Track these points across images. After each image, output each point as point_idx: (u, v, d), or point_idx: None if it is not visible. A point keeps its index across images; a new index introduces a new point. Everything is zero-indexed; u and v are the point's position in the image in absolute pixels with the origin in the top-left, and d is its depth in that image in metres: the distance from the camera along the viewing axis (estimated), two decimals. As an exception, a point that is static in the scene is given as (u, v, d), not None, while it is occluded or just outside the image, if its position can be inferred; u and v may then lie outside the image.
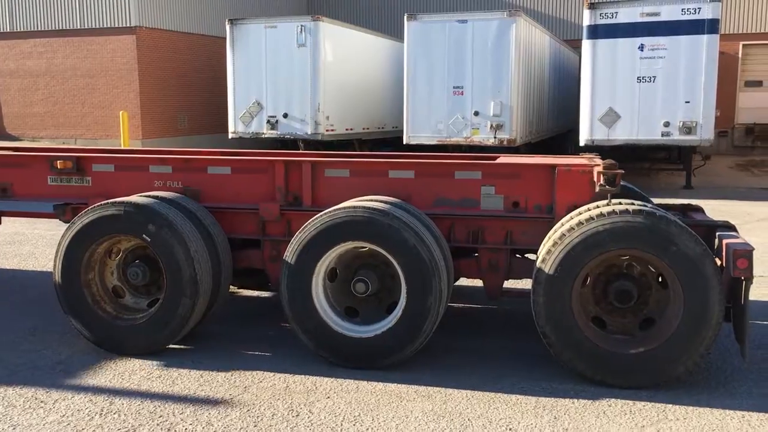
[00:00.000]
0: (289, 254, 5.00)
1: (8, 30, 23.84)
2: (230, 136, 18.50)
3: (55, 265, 5.30)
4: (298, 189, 5.48)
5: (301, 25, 17.72)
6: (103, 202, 5.23)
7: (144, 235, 5.12)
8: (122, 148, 6.75)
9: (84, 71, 23.20)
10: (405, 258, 4.81)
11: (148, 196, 5.39)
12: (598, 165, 5.04)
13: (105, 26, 22.67)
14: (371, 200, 5.13)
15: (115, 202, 5.19)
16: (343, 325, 5.04)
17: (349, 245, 4.98)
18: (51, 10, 23.27)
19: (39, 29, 23.43)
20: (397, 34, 23.71)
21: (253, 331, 5.83)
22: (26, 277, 7.76)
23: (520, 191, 5.25)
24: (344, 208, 4.93)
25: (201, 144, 23.41)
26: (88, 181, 5.84)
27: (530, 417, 4.23)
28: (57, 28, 23.25)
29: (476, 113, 16.41)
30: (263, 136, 18.17)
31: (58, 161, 5.79)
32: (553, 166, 5.21)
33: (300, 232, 4.99)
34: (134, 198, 5.27)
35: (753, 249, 4.48)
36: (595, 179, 4.98)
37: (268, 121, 17.95)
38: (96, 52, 22.95)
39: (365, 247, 5.05)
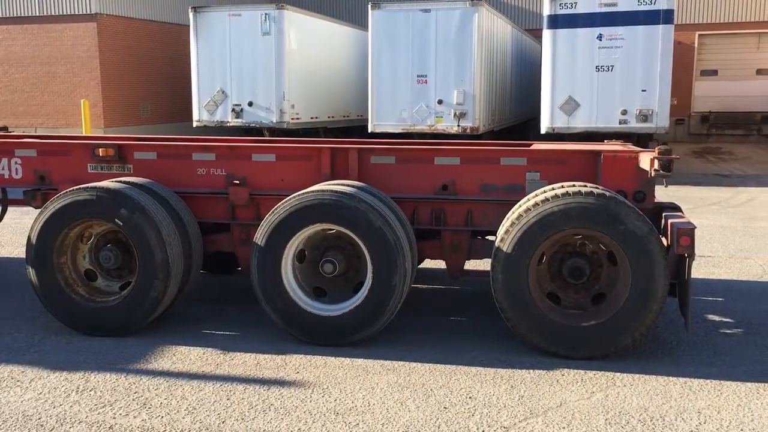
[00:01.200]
0: (260, 236, 5.19)
1: (-35, 17, 23.32)
2: (194, 124, 18.46)
3: (27, 250, 5.40)
4: (344, 175, 5.58)
5: (266, 14, 17.72)
6: (75, 187, 5.35)
7: (116, 220, 5.25)
8: (164, 136, 6.71)
9: (43, 59, 22.83)
10: (371, 239, 5.03)
11: (120, 182, 5.52)
12: (650, 151, 5.19)
13: (65, 13, 22.33)
14: (339, 184, 5.34)
15: (87, 187, 5.30)
16: (312, 304, 5.25)
17: (317, 227, 5.18)
18: (9, -4, 22.80)
19: (-3, 16, 22.98)
20: (361, 22, 23.83)
21: (223, 313, 6.01)
22: (-6, 265, 7.81)
23: (566, 176, 5.39)
24: (313, 191, 5.13)
25: (164, 132, 23.25)
26: (129, 169, 5.85)
27: (489, 386, 4.50)
28: (15, 15, 22.82)
29: (440, 102, 16.65)
30: (228, 124, 18.17)
31: (100, 149, 5.78)
32: (598, 152, 5.40)
33: (270, 215, 5.18)
34: (106, 183, 5.39)
35: (695, 227, 4.80)
36: (649, 165, 5.08)
37: (233, 110, 17.95)
38: (55, 39, 22.59)
39: (333, 229, 5.26)
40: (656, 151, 5.02)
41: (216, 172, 5.78)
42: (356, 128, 22.04)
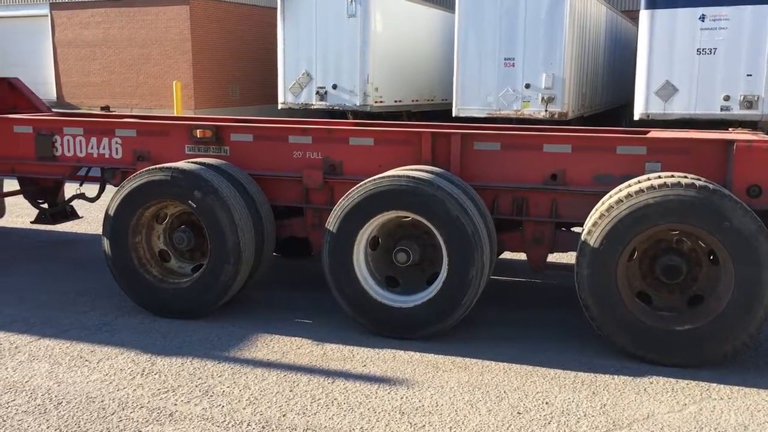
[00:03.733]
0: (332, 221, 5.00)
1: (67, 0, 24.31)
2: (280, 106, 18.61)
3: (104, 228, 5.42)
4: (445, 162, 5.32)
5: (352, -4, 17.61)
6: (151, 167, 5.31)
7: (190, 201, 5.18)
8: (261, 118, 6.67)
9: (139, 41, 23.55)
10: (447, 229, 4.75)
11: (195, 163, 5.45)
12: None
13: (160, -4, 22.95)
14: (416, 169, 5.08)
15: (163, 168, 5.26)
16: (384, 294, 5.03)
17: (391, 214, 4.95)
18: (108, -19, 23.58)
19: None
20: (448, 4, 23.36)
21: (293, 298, 5.88)
22: (79, 240, 7.99)
23: (690, 168, 4.89)
24: (388, 176, 4.89)
25: (251, 114, 23.61)
26: (225, 151, 5.79)
27: (568, 391, 4.16)
28: (114, -1, 23.62)
29: (527, 86, 16.10)
30: (312, 107, 18.22)
31: (198, 130, 5.75)
32: (730, 142, 4.87)
33: (343, 200, 4.98)
34: (181, 164, 5.33)
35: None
36: None
37: (318, 92, 17.98)
38: (151, 22, 23.25)
39: (408, 217, 5.02)
40: None
41: (312, 155, 5.63)
42: (441, 112, 21.71)
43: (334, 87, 17.88)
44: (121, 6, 23.63)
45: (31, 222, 7.50)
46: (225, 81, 24.08)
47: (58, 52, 24.85)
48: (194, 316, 5.29)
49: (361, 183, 4.96)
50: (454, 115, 16.82)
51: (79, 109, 24.08)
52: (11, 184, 7.57)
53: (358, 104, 17.79)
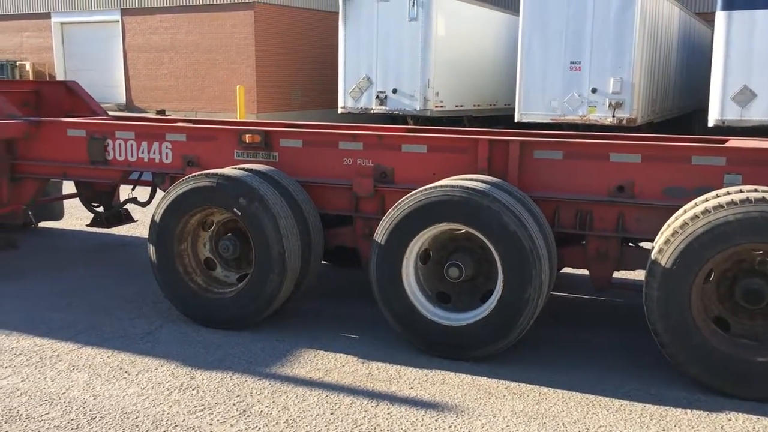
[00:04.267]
0: (381, 233, 4.74)
1: (137, 6, 24.89)
2: (339, 111, 18.55)
3: (150, 235, 5.31)
4: (502, 171, 4.99)
5: (414, -1, 17.38)
6: (197, 173, 5.17)
7: (235, 209, 5.01)
8: (311, 122, 6.53)
9: (205, 46, 23.91)
10: (504, 244, 4.43)
11: (242, 169, 5.29)
12: None
13: (226, 2, 23.22)
14: (471, 179, 4.78)
15: (209, 174, 5.11)
16: (434, 311, 4.75)
17: (444, 227, 4.65)
18: (177, -14, 24.00)
19: (165, 5, 24.30)
20: (512, 7, 22.87)
21: (341, 311, 5.65)
22: (131, 244, 7.98)
23: None
24: (441, 186, 4.60)
25: (312, 119, 23.68)
26: (274, 157, 5.63)
27: (635, 426, 3.78)
28: (182, 4, 24.03)
29: (594, 90, 15.57)
30: (372, 111, 18.08)
31: (247, 135, 5.58)
32: None
33: (393, 210, 4.72)
34: (227, 170, 5.17)
35: None
36: None
37: (377, 97, 17.82)
38: (216, 27, 23.58)
39: (462, 230, 4.72)
40: None
41: (363, 162, 5.39)
42: (503, 117, 21.25)
43: (395, 91, 17.70)
44: (189, 12, 24.05)
45: (87, 225, 7.52)
46: (287, 86, 24.21)
47: (128, 56, 25.47)
48: (238, 327, 5.11)
49: (412, 193, 4.69)
50: (516, 120, 16.39)
51: (147, 112, 24.66)
52: (69, 187, 7.61)
53: (418, 109, 17.55)
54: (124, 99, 25.79)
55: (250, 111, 22.41)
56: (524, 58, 15.98)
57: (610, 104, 15.54)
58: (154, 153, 6.06)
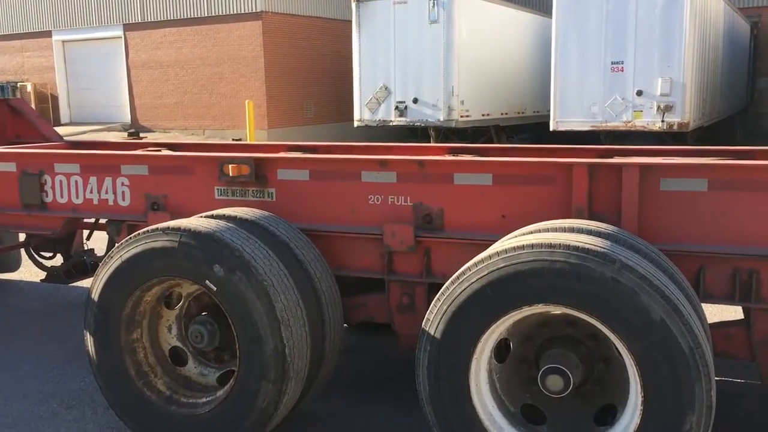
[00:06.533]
0: (434, 321, 2.99)
1: (140, 20, 23.61)
2: (356, 124, 17.01)
3: (85, 320, 3.60)
4: (611, 211, 3.31)
5: (434, 0, 15.75)
6: (149, 228, 3.45)
7: (208, 282, 3.29)
8: (315, 144, 4.72)
9: (211, 60, 22.65)
10: (642, 342, 2.67)
11: (220, 218, 3.58)
12: None
13: (231, 12, 21.88)
14: (568, 227, 3.04)
15: (167, 229, 3.38)
16: (520, 438, 3.00)
17: (535, 309, 2.90)
18: (181, -2, 22.79)
19: (169, 18, 23.02)
20: (540, 6, 21.20)
21: (369, 414, 3.91)
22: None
23: None
24: (529, 246, 2.83)
25: (328, 133, 22.20)
26: (270, 195, 3.97)
27: None
28: (186, 17, 22.70)
29: (639, 93, 13.97)
30: (391, 123, 16.57)
31: (231, 165, 3.93)
32: None
33: (453, 284, 2.95)
34: (195, 222, 3.44)
35: None
36: None
37: (397, 107, 16.29)
38: (223, 40, 22.31)
39: (558, 310, 2.97)
40: None
41: (398, 201, 3.69)
42: (532, 125, 19.58)
43: (415, 101, 16.16)
44: (194, 24, 22.74)
45: (41, 281, 5.84)
46: (299, 99, 22.77)
47: (132, 73, 24.22)
48: (219, 457, 3.38)
49: (483, 258, 2.93)
50: (552, 129, 14.82)
51: (153, 131, 23.26)
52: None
53: (442, 119, 15.95)
54: (129, 118, 24.55)
55: (261, 127, 20.96)
56: (559, 60, 14.40)
57: (658, 107, 13.89)
58: (107, 192, 4.37)
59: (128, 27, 24.01)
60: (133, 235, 3.47)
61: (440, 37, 15.75)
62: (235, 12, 21.96)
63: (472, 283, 2.88)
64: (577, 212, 3.32)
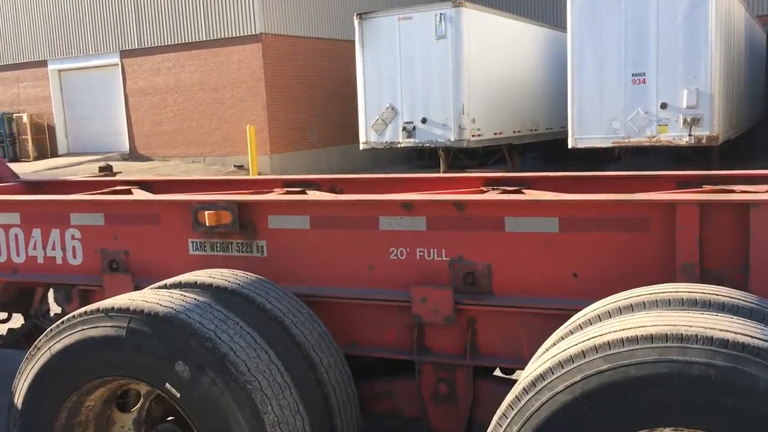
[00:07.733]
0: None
1: (137, 46, 22.96)
2: (362, 147, 16.17)
3: (8, 424, 2.63)
4: (736, 266, 2.41)
5: (440, 14, 15.14)
6: (87, 309, 2.48)
7: (168, 385, 2.31)
8: (318, 177, 3.72)
9: (211, 85, 21.94)
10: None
11: (186, 286, 2.62)
12: None
13: (230, 36, 21.19)
14: (694, 303, 2.06)
15: (110, 310, 2.40)
16: None
17: None
18: (177, 23, 22.15)
19: (166, 43, 22.36)
20: (554, 20, 20.35)
21: None
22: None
23: None
24: (646, 338, 1.85)
25: (332, 157, 21.37)
26: (261, 249, 3.06)
27: None
28: (183, 41, 22.02)
29: (663, 105, 13.10)
30: (399, 145, 15.70)
31: (208, 212, 3.01)
32: None
33: (527, 394, 1.98)
34: (151, 299, 2.47)
35: None
36: None
37: (404, 128, 15.45)
38: (222, 63, 21.62)
39: None
40: None
41: (429, 255, 2.74)
42: (544, 143, 18.71)
43: (424, 121, 15.33)
44: (191, 48, 22.04)
45: (-3, 346, 4.88)
46: (302, 122, 21.98)
47: (130, 101, 23.54)
48: None
49: (572, 355, 1.94)
50: (570, 146, 13.92)
51: (152, 160, 22.48)
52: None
53: (452, 139, 15.10)
54: (128, 147, 23.80)
55: (263, 152, 20.15)
56: (576, 74, 13.58)
57: (684, 121, 13.04)
58: (53, 248, 3.42)
59: (125, 54, 23.35)
60: (66, 318, 2.50)
61: (448, 53, 14.98)
62: (234, 35, 21.26)
63: (558, 393, 1.89)
64: (684, 268, 2.36)
